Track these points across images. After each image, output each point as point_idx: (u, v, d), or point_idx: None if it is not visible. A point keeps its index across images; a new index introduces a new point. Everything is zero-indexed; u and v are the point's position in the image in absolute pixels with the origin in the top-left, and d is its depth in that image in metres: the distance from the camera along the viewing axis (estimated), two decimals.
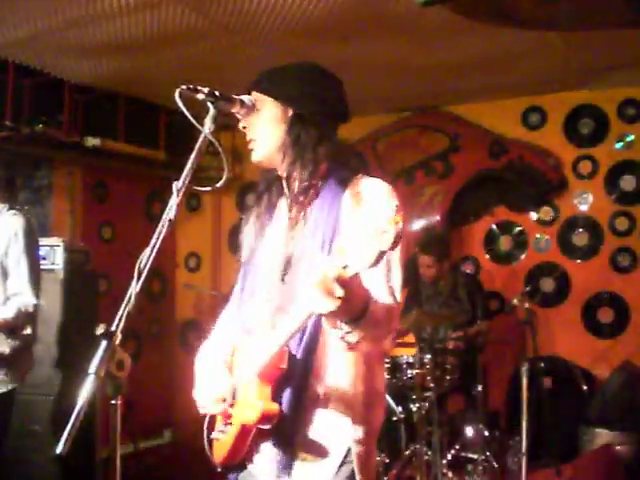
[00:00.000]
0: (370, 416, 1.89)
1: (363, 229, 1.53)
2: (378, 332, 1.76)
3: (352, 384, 1.86)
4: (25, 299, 3.42)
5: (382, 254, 1.40)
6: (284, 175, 1.98)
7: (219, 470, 1.99)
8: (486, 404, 4.93)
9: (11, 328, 3.42)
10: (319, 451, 1.84)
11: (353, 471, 1.83)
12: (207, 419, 2.02)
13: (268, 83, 1.95)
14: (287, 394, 1.81)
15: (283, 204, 2.03)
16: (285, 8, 3.83)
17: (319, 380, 1.83)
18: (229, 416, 1.91)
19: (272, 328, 1.84)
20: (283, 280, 1.91)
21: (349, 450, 1.84)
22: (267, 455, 1.88)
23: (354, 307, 1.59)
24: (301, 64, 2.01)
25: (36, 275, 3.52)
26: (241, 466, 1.95)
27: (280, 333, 1.74)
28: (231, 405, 1.90)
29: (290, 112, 1.93)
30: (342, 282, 1.48)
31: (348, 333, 1.63)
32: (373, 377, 1.90)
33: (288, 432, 1.82)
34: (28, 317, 3.45)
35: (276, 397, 1.80)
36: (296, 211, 1.94)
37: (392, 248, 1.38)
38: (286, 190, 2.00)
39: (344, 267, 1.46)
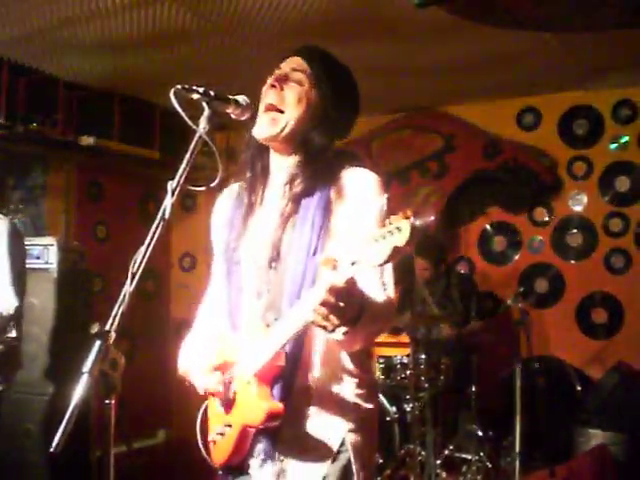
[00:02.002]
0: (362, 404, 1.89)
1: (371, 224, 1.58)
2: (374, 329, 1.79)
3: (341, 373, 1.86)
4: (6, 302, 3.37)
5: (397, 250, 1.39)
6: (292, 163, 1.93)
7: (220, 473, 1.96)
8: (480, 404, 4.93)
9: None
10: (313, 443, 1.83)
11: (350, 460, 1.83)
12: (199, 420, 1.99)
13: (324, 71, 1.93)
14: (277, 389, 1.80)
15: (273, 191, 1.98)
16: (280, 8, 3.83)
17: (308, 372, 1.83)
18: (229, 405, 1.88)
19: (265, 326, 1.82)
20: (271, 267, 1.89)
21: (344, 439, 1.83)
22: (260, 454, 1.86)
23: (350, 312, 1.59)
24: (346, 66, 2.03)
25: (20, 278, 3.48)
26: (241, 469, 1.91)
27: (278, 336, 1.73)
28: (229, 382, 1.87)
29: (324, 107, 1.92)
30: (337, 291, 1.51)
31: (344, 334, 1.63)
32: (362, 364, 1.90)
33: (279, 434, 1.81)
34: (9, 319, 3.40)
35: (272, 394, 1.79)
36: (292, 203, 1.89)
37: (409, 244, 1.37)
38: (285, 179, 1.93)
39: (352, 263, 1.46)
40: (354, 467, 1.83)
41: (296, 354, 1.80)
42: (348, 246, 1.48)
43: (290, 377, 1.81)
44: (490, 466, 4.71)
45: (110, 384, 1.46)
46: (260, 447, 1.86)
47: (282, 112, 1.89)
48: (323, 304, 1.53)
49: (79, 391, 1.40)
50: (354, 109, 2.01)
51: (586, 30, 4.19)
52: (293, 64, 1.94)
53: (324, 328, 1.60)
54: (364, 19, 4.02)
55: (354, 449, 1.84)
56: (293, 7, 3.81)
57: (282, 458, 1.83)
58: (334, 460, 1.82)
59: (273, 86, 1.90)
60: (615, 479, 4.50)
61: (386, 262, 1.42)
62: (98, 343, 1.45)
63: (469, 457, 4.75)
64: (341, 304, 1.54)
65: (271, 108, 1.89)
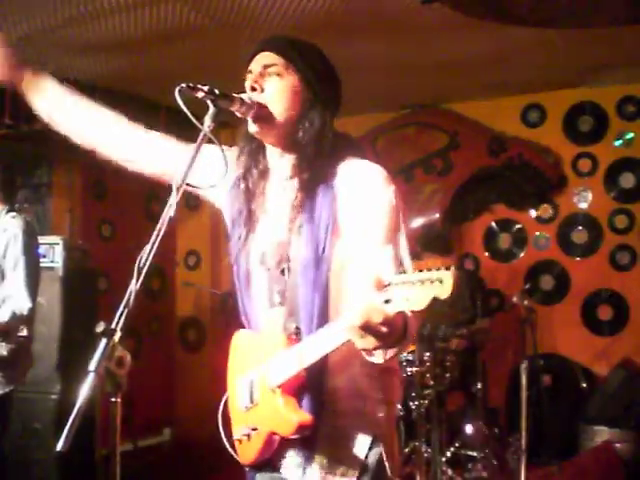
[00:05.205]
0: (387, 398, 1.89)
1: (381, 218, 1.67)
2: (410, 341, 1.76)
3: (365, 372, 1.84)
4: (20, 302, 3.39)
5: (434, 300, 1.37)
6: (293, 156, 1.89)
7: (247, 470, 1.96)
8: (486, 402, 4.93)
9: (5, 331, 3.41)
10: (345, 443, 1.83)
11: (381, 454, 1.83)
12: (219, 414, 1.99)
13: (297, 54, 1.88)
14: (306, 400, 1.78)
15: (275, 190, 1.95)
16: (284, 5, 3.83)
17: (333, 376, 1.82)
18: (250, 407, 1.87)
19: (286, 336, 1.80)
20: (283, 273, 1.87)
21: (374, 437, 1.83)
22: (293, 459, 1.86)
23: (394, 337, 1.56)
24: (318, 47, 1.95)
25: (34, 278, 3.50)
26: (269, 466, 1.90)
27: (310, 353, 1.71)
28: (249, 386, 1.87)
29: (310, 89, 1.88)
30: (386, 321, 1.46)
31: (386, 354, 1.64)
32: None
33: (310, 435, 1.79)
34: (22, 320, 3.42)
35: (299, 404, 1.78)
36: (300, 193, 1.85)
37: (450, 297, 1.36)
38: (290, 172, 1.90)
39: (386, 301, 1.43)
40: (386, 462, 1.83)
41: (322, 364, 1.77)
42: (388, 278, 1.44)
43: (318, 387, 1.79)
44: (496, 463, 4.71)
45: (116, 382, 1.46)
46: (295, 451, 1.85)
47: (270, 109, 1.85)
48: (362, 327, 1.48)
49: (85, 390, 1.39)
50: (335, 77, 1.95)
51: (589, 26, 4.19)
52: (264, 61, 1.90)
53: (365, 350, 1.58)
54: (369, 16, 4.02)
55: (384, 443, 1.84)
56: (297, 4, 3.81)
57: (317, 460, 1.82)
58: (366, 457, 1.82)
59: (253, 89, 1.86)
60: (620, 476, 4.50)
61: (422, 309, 1.40)
62: (104, 341, 1.44)
63: (475, 454, 4.74)
64: (383, 328, 1.48)
65: (257, 107, 1.84)
